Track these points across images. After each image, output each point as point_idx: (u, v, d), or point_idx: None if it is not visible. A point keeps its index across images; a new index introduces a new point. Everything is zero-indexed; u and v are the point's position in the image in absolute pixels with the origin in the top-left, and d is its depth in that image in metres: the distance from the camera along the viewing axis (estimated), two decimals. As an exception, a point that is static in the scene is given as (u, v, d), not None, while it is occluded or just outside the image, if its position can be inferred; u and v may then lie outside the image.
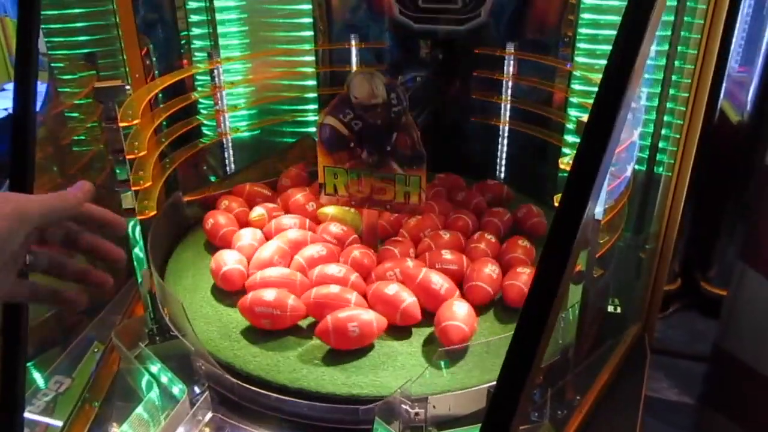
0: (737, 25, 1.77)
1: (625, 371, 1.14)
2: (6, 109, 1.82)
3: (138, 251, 1.17)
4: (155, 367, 1.09)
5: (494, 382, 0.97)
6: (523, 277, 1.17)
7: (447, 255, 1.24)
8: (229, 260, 1.25)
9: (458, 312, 1.08)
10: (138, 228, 1.15)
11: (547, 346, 0.66)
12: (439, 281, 1.16)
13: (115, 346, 1.16)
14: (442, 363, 1.03)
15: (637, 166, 1.25)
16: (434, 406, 0.97)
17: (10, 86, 2.06)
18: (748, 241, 1.42)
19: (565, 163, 0.97)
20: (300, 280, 1.20)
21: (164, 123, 1.43)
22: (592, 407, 1.05)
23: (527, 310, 0.64)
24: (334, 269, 1.21)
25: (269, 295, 1.12)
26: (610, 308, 1.23)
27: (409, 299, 1.12)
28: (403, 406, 0.96)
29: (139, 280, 1.18)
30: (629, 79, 0.65)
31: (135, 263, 1.17)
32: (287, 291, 1.15)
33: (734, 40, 1.78)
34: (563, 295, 0.65)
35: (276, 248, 1.28)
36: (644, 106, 1.24)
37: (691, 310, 2.05)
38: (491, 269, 1.20)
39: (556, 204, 0.96)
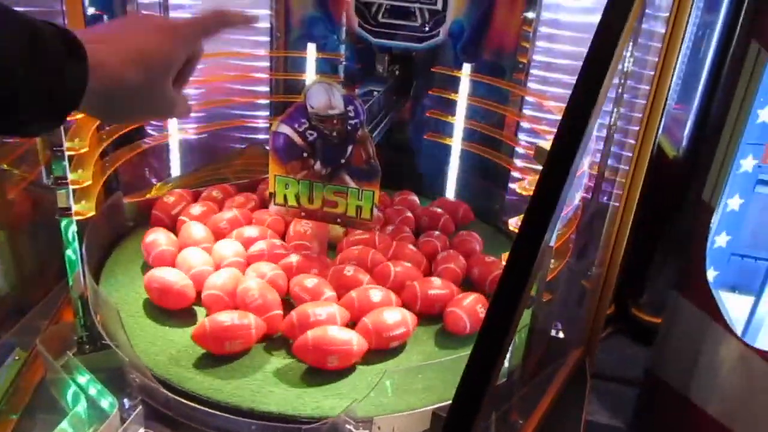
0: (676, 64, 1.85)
1: (566, 395, 1.15)
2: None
3: (71, 253, 1.10)
4: (83, 378, 1.02)
5: (439, 404, 0.99)
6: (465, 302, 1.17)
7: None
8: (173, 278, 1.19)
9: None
10: (73, 228, 1.08)
11: (501, 369, 0.65)
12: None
13: (39, 354, 1.09)
14: (388, 383, 1.01)
15: (584, 194, 1.28)
16: (379, 428, 0.96)
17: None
18: (682, 272, 1.47)
19: (523, 187, 0.98)
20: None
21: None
22: (535, 431, 1.05)
23: (485, 331, 0.63)
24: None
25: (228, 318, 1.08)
26: (554, 332, 1.25)
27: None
28: (347, 426, 0.94)
29: (71, 283, 1.11)
30: (593, 110, 0.67)
31: (67, 265, 1.11)
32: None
33: (673, 78, 1.86)
34: (520, 318, 0.65)
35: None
36: (595, 137, 1.27)
37: (621, 335, 2.11)
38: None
39: (510, 228, 0.97)
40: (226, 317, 1.07)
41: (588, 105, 0.66)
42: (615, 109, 1.24)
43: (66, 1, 1.26)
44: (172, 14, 1.63)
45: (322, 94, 1.14)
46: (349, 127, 1.15)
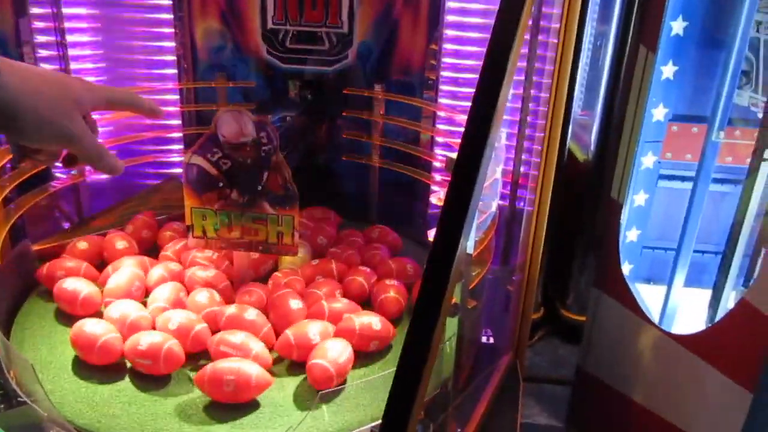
0: (578, 72, 1.95)
1: (501, 400, 1.17)
2: None
3: (-24, 308, 1.04)
4: (-1, 439, 0.96)
5: (377, 422, 0.98)
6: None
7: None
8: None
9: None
10: (-23, 282, 1.02)
11: (429, 380, 0.66)
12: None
13: (-53, 419, 1.01)
14: (324, 407, 1.00)
15: (500, 202, 1.32)
16: (317, 453, 0.94)
17: None
18: (600, 269, 1.54)
19: (439, 198, 1.00)
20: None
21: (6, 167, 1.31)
22: (473, 438, 1.07)
23: (410, 343, 0.64)
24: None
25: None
26: (484, 339, 1.27)
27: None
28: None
29: (-22, 340, 1.05)
30: (492, 121, 0.69)
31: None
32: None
33: (576, 86, 1.96)
34: (443, 328, 0.66)
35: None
36: (505, 146, 1.32)
37: (553, 336, 2.17)
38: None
39: (431, 239, 0.99)
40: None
41: (486, 113, 0.69)
42: (522, 118, 1.30)
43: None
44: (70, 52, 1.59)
45: (233, 122, 1.12)
46: (263, 154, 1.14)
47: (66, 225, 1.61)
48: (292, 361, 1.12)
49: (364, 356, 1.13)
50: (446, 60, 1.56)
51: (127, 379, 1.08)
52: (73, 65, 1.59)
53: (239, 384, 1.00)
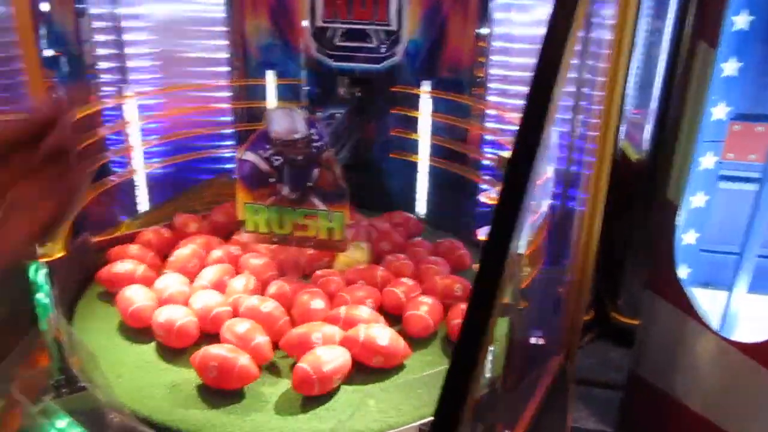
0: (631, 71, 1.90)
1: (550, 402, 1.15)
2: None
3: (42, 296, 1.08)
4: (63, 422, 1.00)
5: (424, 420, 0.98)
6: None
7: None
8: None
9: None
10: (42, 272, 1.07)
11: (479, 379, 0.66)
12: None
13: (15, 402, 1.06)
14: (372, 402, 1.01)
15: (552, 201, 1.30)
16: (364, 448, 0.95)
17: None
18: (653, 272, 1.49)
19: (490, 197, 0.99)
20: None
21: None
22: (521, 439, 1.05)
23: (461, 343, 0.63)
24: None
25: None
26: (533, 340, 1.26)
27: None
28: (333, 449, 0.93)
29: (44, 327, 1.09)
30: (545, 120, 0.68)
31: (39, 310, 1.09)
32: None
33: (630, 85, 1.92)
34: (493, 328, 0.66)
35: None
36: (557, 144, 1.29)
37: (603, 339, 2.12)
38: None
39: (479, 237, 0.98)
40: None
41: (540, 112, 0.68)
42: (574, 117, 1.27)
43: (21, 44, 1.26)
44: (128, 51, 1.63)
45: (284, 119, 1.14)
46: (314, 150, 1.16)
47: (123, 218, 1.66)
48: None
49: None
50: (495, 57, 1.55)
51: (183, 368, 1.10)
52: (129, 63, 1.64)
53: (222, 371, 1.02)
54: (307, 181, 1.18)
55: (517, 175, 0.67)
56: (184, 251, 1.34)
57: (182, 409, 1.01)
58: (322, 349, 1.05)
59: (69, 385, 1.10)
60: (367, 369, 1.09)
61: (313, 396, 1.03)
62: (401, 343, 1.10)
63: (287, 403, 1.03)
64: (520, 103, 1.50)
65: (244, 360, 1.03)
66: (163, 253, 1.39)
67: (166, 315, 1.13)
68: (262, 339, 1.09)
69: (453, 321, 1.15)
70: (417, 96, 1.59)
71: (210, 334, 1.15)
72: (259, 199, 1.21)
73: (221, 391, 1.04)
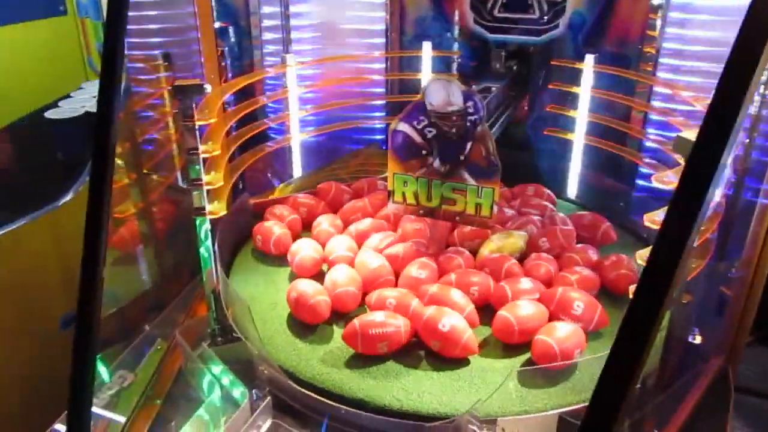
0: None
1: (707, 407, 1.07)
2: (83, 107, 1.87)
3: (204, 250, 1.17)
4: (217, 368, 1.08)
5: (566, 408, 0.94)
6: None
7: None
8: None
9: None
10: (206, 227, 1.15)
11: (641, 373, 0.61)
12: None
13: (177, 345, 1.16)
14: (512, 385, 0.98)
15: (726, 191, 1.18)
16: (503, 429, 0.93)
17: (87, 85, 2.12)
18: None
19: (665, 181, 0.91)
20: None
21: (232, 127, 1.44)
22: (672, 443, 0.98)
23: (625, 332, 0.59)
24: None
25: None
26: (692, 338, 1.16)
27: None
28: (470, 427, 0.92)
29: (204, 279, 1.18)
30: (744, 99, 0.61)
31: (201, 262, 1.17)
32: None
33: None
34: (660, 322, 0.61)
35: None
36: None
37: (764, 344, 1.93)
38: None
39: (647, 223, 0.91)
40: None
41: (740, 88, 0.60)
42: (763, 94, 1.14)
43: (198, 14, 1.34)
44: (293, 23, 1.70)
45: (441, 91, 1.12)
46: (468, 124, 1.13)
47: (277, 183, 1.75)
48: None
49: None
50: (670, 30, 1.42)
51: (328, 326, 1.14)
52: (294, 34, 1.70)
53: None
54: (459, 155, 1.16)
55: (703, 159, 0.61)
56: (331, 219, 1.38)
57: (328, 368, 1.05)
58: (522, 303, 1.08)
59: (224, 335, 1.18)
60: (510, 350, 1.07)
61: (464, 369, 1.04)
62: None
63: (429, 378, 1.03)
64: (697, 80, 1.38)
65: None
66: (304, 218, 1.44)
67: (300, 288, 1.15)
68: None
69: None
70: (576, 71, 1.51)
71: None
72: (409, 170, 1.21)
73: (365, 356, 1.06)
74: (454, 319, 1.04)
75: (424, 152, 1.19)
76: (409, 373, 1.04)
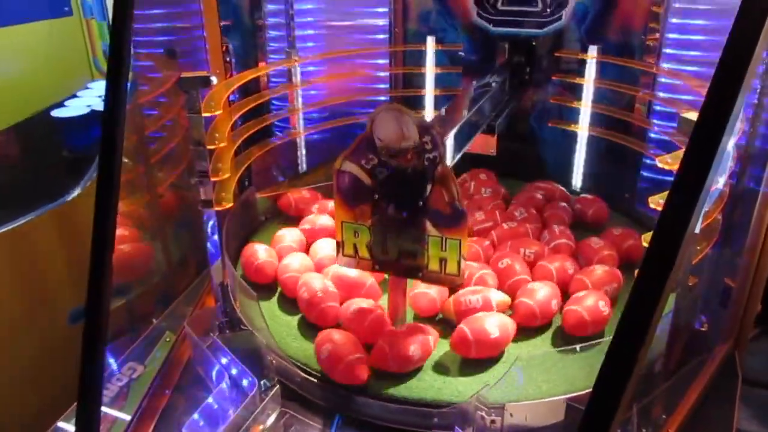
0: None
1: (714, 393, 1.07)
2: (89, 106, 1.89)
3: (211, 244, 1.17)
4: (226, 359, 1.09)
5: (574, 394, 0.95)
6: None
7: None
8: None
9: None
10: (213, 220, 1.16)
11: (645, 357, 0.62)
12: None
13: (186, 336, 1.17)
14: (519, 370, 0.99)
15: (729, 180, 1.18)
16: (511, 415, 0.94)
17: (93, 85, 2.14)
18: None
19: (667, 162, 0.91)
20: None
21: (238, 122, 1.45)
22: (680, 428, 0.99)
23: (628, 315, 0.60)
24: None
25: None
26: (698, 324, 1.17)
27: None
28: (478, 412, 0.93)
29: (212, 271, 1.19)
30: (743, 81, 0.61)
31: (208, 255, 1.18)
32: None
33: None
34: (664, 305, 0.61)
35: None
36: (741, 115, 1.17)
37: (769, 336, 1.92)
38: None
39: (652, 205, 0.91)
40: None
41: (738, 70, 0.61)
42: (763, 83, 1.14)
43: (205, 12, 1.35)
44: (297, 20, 1.71)
45: (392, 123, 0.92)
46: (426, 162, 0.93)
47: (281, 178, 1.75)
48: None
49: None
50: (673, 20, 1.42)
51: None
52: (297, 32, 1.71)
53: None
54: (418, 199, 0.96)
55: (704, 139, 0.62)
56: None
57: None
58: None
59: (232, 327, 1.19)
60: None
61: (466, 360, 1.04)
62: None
63: (439, 366, 1.05)
64: (701, 70, 1.38)
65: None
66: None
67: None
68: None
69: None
70: (579, 62, 1.51)
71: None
72: (360, 218, 1.01)
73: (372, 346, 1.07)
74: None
75: (375, 196, 0.99)
76: (426, 365, 1.05)
